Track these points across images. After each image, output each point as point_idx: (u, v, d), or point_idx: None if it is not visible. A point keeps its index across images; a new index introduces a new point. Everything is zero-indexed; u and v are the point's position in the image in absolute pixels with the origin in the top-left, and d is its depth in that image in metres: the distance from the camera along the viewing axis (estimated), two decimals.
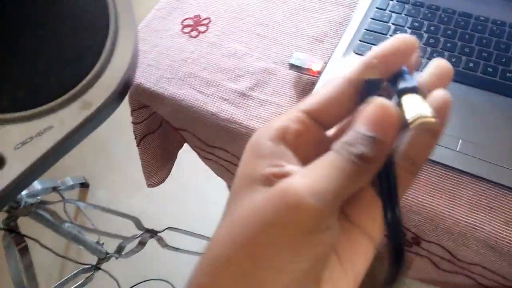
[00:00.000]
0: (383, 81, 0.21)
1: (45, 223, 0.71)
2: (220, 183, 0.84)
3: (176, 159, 0.73)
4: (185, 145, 0.72)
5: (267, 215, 0.17)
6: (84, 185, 1.24)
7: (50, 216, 0.69)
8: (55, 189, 0.87)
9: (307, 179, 0.18)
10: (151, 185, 0.69)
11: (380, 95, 0.19)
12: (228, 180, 0.70)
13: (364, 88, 0.20)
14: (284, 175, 0.19)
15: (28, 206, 0.64)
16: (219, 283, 0.18)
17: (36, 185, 0.74)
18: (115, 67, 0.29)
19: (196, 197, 1.24)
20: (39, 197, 0.66)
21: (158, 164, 0.66)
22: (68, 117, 0.28)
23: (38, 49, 0.28)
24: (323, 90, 0.21)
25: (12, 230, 0.66)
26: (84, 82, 0.27)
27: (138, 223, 0.79)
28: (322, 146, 0.21)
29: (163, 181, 0.71)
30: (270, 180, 0.19)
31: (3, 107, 0.27)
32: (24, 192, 0.68)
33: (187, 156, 0.75)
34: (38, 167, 0.29)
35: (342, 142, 0.19)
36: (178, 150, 0.71)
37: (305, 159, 0.20)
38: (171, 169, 0.71)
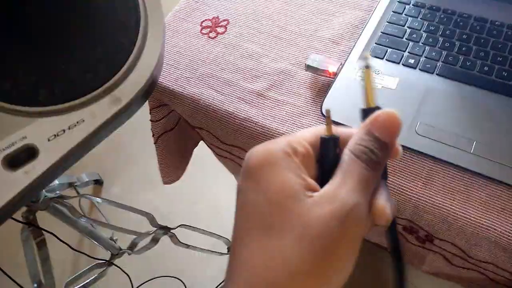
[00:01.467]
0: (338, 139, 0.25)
1: (62, 218, 0.73)
2: (232, 182, 0.85)
3: (191, 159, 0.75)
4: (200, 144, 0.73)
5: (338, 229, 0.21)
6: (99, 182, 1.27)
7: (68, 211, 0.71)
8: (71, 184, 0.89)
9: (356, 195, 0.22)
10: (167, 182, 0.71)
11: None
12: None
13: (321, 143, 0.25)
14: (312, 188, 0.23)
15: (47, 200, 0.66)
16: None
17: (54, 180, 0.76)
18: (144, 64, 0.30)
19: (208, 196, 1.26)
20: (57, 192, 0.68)
21: (174, 162, 0.67)
22: (99, 112, 0.29)
23: (75, 45, 0.30)
24: (312, 128, 0.26)
25: (31, 223, 0.67)
26: (115, 78, 0.29)
27: (152, 220, 0.80)
28: (314, 169, 0.24)
29: (178, 178, 0.72)
30: (308, 192, 0.22)
31: (40, 100, 0.29)
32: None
33: (200, 155, 0.76)
34: (68, 159, 0.31)
35: (360, 148, 0.23)
36: (194, 148, 0.72)
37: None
38: (186, 166, 0.73)
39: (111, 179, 1.30)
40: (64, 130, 0.30)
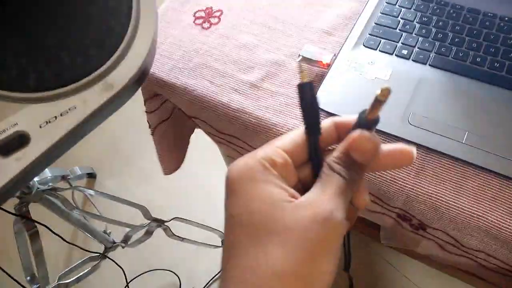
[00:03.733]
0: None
1: (55, 210, 0.73)
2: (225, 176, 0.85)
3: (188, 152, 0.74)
4: (193, 137, 0.73)
5: (319, 232, 0.23)
6: (92, 176, 1.26)
7: (61, 203, 0.70)
8: (64, 177, 0.88)
9: (334, 202, 0.24)
10: (167, 172, 0.71)
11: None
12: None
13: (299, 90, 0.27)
14: (293, 196, 0.24)
15: (40, 192, 0.66)
16: None
17: (47, 172, 0.75)
18: (137, 51, 0.30)
19: (202, 189, 1.25)
20: (50, 184, 0.67)
21: (172, 151, 0.67)
22: (91, 98, 0.29)
23: (65, 30, 0.30)
24: (291, 134, 0.27)
25: (24, 216, 0.67)
26: (108, 63, 0.29)
27: (146, 212, 0.80)
28: (294, 176, 0.26)
29: (178, 167, 0.72)
30: (289, 199, 0.24)
31: (30, 86, 0.28)
32: (36, 179, 0.69)
33: (194, 148, 0.76)
34: (60, 147, 0.31)
35: (337, 167, 0.25)
36: (190, 136, 0.72)
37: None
38: (184, 155, 0.73)
39: (104, 172, 1.30)
40: (55, 117, 0.29)
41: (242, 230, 0.24)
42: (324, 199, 0.24)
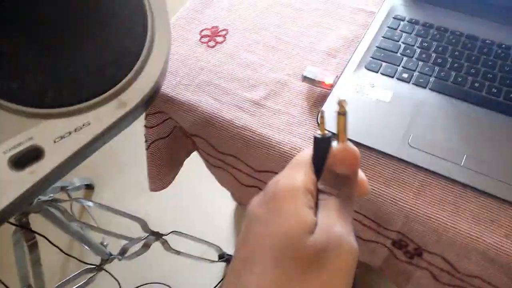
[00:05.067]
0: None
1: (54, 221, 0.73)
2: (224, 191, 0.86)
3: (183, 166, 0.75)
4: (192, 154, 0.74)
5: (351, 263, 0.23)
6: (90, 187, 1.26)
7: (61, 214, 0.71)
8: (63, 188, 0.88)
9: (340, 227, 0.24)
10: (153, 189, 0.71)
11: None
12: (232, 188, 0.71)
13: (314, 143, 0.26)
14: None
15: (40, 203, 0.66)
16: None
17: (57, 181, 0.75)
18: (150, 70, 0.31)
19: (200, 203, 1.26)
20: (51, 195, 0.67)
21: (163, 170, 0.68)
22: (104, 115, 0.30)
23: (82, 49, 0.31)
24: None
25: (24, 226, 0.67)
26: (122, 82, 0.30)
27: (144, 225, 0.80)
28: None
29: (166, 186, 0.73)
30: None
31: (46, 102, 0.29)
32: None
33: (193, 163, 0.77)
34: (72, 161, 0.31)
35: (325, 188, 0.26)
36: (185, 159, 0.73)
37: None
38: (175, 176, 0.73)
39: (102, 184, 1.30)
40: (70, 133, 0.30)
41: (268, 248, 0.23)
42: (333, 225, 0.24)
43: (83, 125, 0.30)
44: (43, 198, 0.66)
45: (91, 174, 1.30)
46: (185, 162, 0.75)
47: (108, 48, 0.31)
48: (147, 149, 0.66)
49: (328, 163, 0.26)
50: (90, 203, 0.78)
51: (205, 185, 1.25)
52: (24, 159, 0.30)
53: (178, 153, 0.71)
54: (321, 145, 0.26)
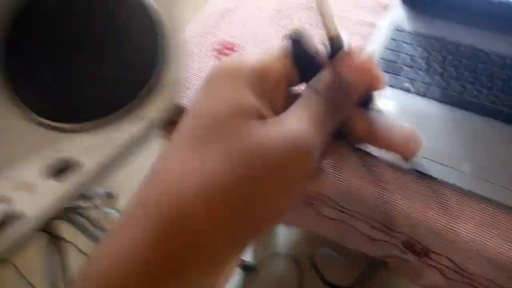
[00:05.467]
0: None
1: (79, 228, 0.76)
2: None
3: None
4: None
5: (280, 156, 0.18)
6: (110, 196, 1.30)
7: (85, 221, 0.74)
8: (86, 196, 0.92)
9: (305, 126, 0.19)
10: None
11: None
12: None
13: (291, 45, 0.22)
14: (264, 116, 0.20)
15: (67, 209, 0.69)
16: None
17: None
18: (168, 86, 0.34)
19: None
20: (75, 203, 0.71)
21: None
22: (129, 128, 0.33)
23: (107, 71, 0.34)
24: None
25: (51, 233, 0.70)
26: (143, 99, 0.33)
27: None
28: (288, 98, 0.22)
29: None
30: (262, 116, 0.20)
31: (79, 118, 0.32)
32: None
33: None
34: (101, 170, 0.34)
35: (320, 84, 0.21)
36: None
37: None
38: None
39: (122, 193, 1.34)
40: (99, 144, 0.33)
41: (193, 128, 0.19)
42: (294, 121, 0.19)
43: (109, 138, 0.33)
44: (68, 205, 0.69)
45: (110, 184, 1.34)
46: None
47: (130, 67, 0.34)
48: None
49: (339, 65, 0.21)
50: (112, 211, 0.82)
51: None
52: (59, 169, 0.33)
53: None
54: (299, 44, 0.22)
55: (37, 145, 0.33)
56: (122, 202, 1.31)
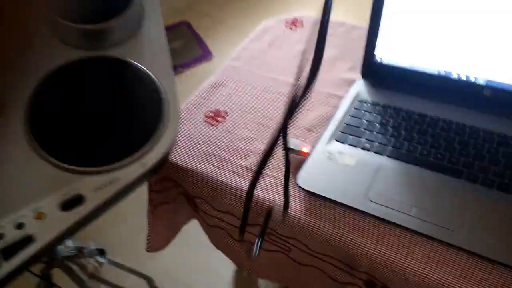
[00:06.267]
0: None
1: (73, 277, 0.82)
2: (222, 259, 0.95)
3: (187, 233, 0.85)
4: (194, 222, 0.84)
5: None
6: (102, 252, 1.35)
7: (81, 271, 0.80)
8: (80, 249, 0.98)
9: None
10: (150, 250, 0.81)
11: None
12: (227, 248, 0.81)
13: None
14: None
15: (64, 259, 0.76)
16: None
17: (70, 243, 0.86)
18: (165, 142, 0.44)
19: (205, 267, 1.33)
20: (72, 251, 0.78)
21: (163, 233, 0.78)
22: (130, 173, 0.42)
23: (118, 126, 0.44)
24: None
25: (47, 279, 0.76)
26: (144, 149, 0.42)
27: (151, 283, 0.89)
28: None
29: (161, 248, 0.82)
30: None
31: (90, 163, 0.42)
32: (60, 247, 0.80)
33: (196, 230, 0.87)
34: (103, 207, 0.43)
35: None
36: (184, 224, 0.84)
37: None
38: (172, 239, 0.83)
39: (113, 250, 1.39)
40: (104, 185, 0.43)
41: None
42: None
43: (114, 180, 0.42)
44: (66, 254, 0.76)
45: (104, 241, 1.39)
46: (192, 227, 0.85)
47: (135, 124, 0.44)
48: (152, 212, 0.78)
49: None
50: (104, 260, 0.88)
51: (210, 250, 1.34)
52: (69, 203, 0.42)
53: (178, 219, 0.82)
54: None
55: (54, 184, 0.42)
56: (113, 258, 1.36)
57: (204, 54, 1.93)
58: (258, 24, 0.99)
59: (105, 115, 0.45)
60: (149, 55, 0.49)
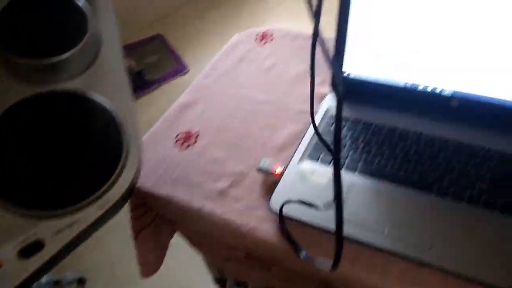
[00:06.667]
0: None
1: None
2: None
3: (170, 256, 0.83)
4: (180, 241, 0.83)
5: None
6: (82, 281, 1.31)
7: None
8: (57, 283, 0.95)
9: None
10: (145, 275, 0.79)
11: None
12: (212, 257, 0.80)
13: None
14: None
15: None
16: None
17: (43, 277, 0.83)
18: (125, 178, 0.42)
19: None
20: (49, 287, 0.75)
21: (152, 255, 0.77)
22: (89, 214, 0.41)
23: (75, 167, 0.43)
24: None
25: None
26: (103, 189, 0.41)
27: None
28: None
29: (156, 270, 0.81)
30: None
31: (48, 206, 0.40)
32: (34, 285, 0.77)
33: (181, 250, 0.85)
34: (65, 251, 0.42)
35: None
36: (169, 241, 0.82)
37: None
38: (163, 259, 0.82)
39: (93, 277, 1.35)
40: (63, 228, 0.41)
41: None
42: None
43: (74, 223, 0.40)
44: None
45: (82, 269, 1.36)
46: (175, 251, 0.84)
47: (93, 162, 0.43)
48: (135, 239, 0.76)
49: None
50: None
51: (193, 272, 1.32)
52: (29, 250, 0.40)
53: (162, 238, 0.80)
54: None
55: (11, 230, 0.40)
56: (91, 286, 1.33)
57: (179, 68, 1.92)
58: (234, 35, 0.99)
59: (63, 153, 0.43)
60: (108, 85, 0.47)
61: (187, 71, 1.91)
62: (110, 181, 0.43)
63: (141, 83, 1.85)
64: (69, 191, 0.42)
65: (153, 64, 1.93)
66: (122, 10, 2.04)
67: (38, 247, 0.40)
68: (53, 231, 0.40)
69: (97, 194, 0.42)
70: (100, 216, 0.41)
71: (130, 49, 2.00)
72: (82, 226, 0.42)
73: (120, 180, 0.43)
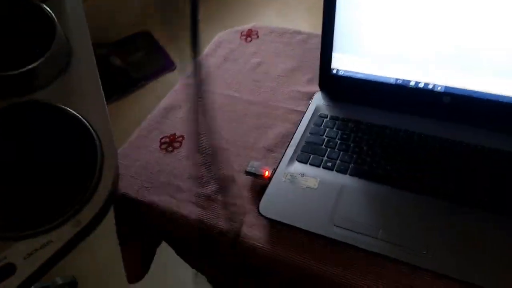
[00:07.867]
0: None
1: None
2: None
3: (160, 262, 0.81)
4: (168, 249, 0.80)
5: None
6: (73, 284, 1.29)
7: None
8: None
9: None
10: (131, 280, 0.77)
11: None
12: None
13: None
14: None
15: None
16: None
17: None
18: (102, 192, 0.40)
19: None
20: None
21: (137, 263, 0.74)
22: (64, 233, 0.38)
23: (44, 185, 0.40)
24: None
25: None
26: (76, 207, 0.38)
27: None
28: None
29: (142, 277, 0.79)
30: None
31: (18, 227, 0.37)
32: None
33: (170, 257, 0.83)
34: (39, 272, 0.39)
35: None
36: (156, 248, 0.80)
37: None
38: (149, 266, 0.79)
39: (85, 281, 1.33)
40: (36, 250, 0.38)
41: None
42: None
43: (47, 243, 0.38)
44: None
45: (74, 272, 1.33)
46: (163, 258, 0.81)
47: (66, 177, 0.40)
48: (121, 244, 0.73)
49: None
50: None
51: (182, 278, 1.29)
52: (1, 274, 0.37)
53: (148, 246, 0.78)
54: None
55: None
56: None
57: (167, 65, 1.88)
58: (220, 31, 0.96)
59: (33, 169, 0.40)
60: (79, 94, 0.44)
61: (175, 68, 1.87)
62: (85, 196, 0.40)
63: (127, 81, 1.81)
64: (42, 209, 0.39)
65: (140, 61, 1.89)
66: (107, 7, 1.98)
67: (10, 271, 0.38)
68: (25, 253, 0.38)
69: (71, 211, 0.39)
70: (76, 233, 0.39)
71: (115, 47, 1.95)
72: (57, 246, 0.39)
73: (96, 195, 0.40)
